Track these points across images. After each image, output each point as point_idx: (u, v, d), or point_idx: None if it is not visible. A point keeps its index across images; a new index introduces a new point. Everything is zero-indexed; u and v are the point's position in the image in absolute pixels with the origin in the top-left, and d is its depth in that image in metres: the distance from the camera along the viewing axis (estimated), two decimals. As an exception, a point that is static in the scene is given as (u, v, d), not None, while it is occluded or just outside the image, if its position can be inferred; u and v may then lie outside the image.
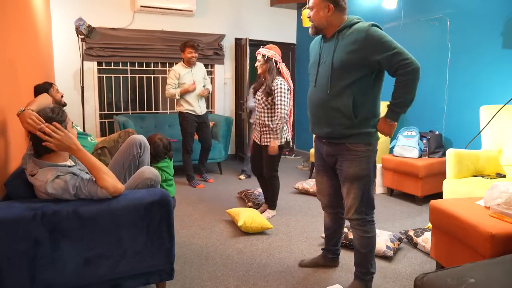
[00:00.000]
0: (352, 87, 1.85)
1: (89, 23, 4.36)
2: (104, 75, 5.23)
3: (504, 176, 3.02)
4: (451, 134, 3.91)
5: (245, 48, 5.51)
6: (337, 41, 1.88)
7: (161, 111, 5.69)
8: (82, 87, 4.60)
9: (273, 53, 3.08)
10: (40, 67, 3.35)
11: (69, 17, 4.62)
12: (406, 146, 3.86)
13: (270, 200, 3.40)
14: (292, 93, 3.18)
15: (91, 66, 5.04)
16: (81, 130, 3.46)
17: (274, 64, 3.09)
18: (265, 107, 3.13)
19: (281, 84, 3.04)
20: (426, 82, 4.13)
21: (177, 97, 4.22)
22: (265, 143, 3.17)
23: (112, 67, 5.24)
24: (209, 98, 6.01)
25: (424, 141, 3.82)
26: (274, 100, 3.07)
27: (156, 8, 5.09)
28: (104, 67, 5.20)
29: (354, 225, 2.02)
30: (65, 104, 3.01)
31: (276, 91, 3.04)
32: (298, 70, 6.25)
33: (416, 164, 3.60)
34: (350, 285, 2.09)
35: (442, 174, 3.28)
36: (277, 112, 3.05)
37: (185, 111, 4.27)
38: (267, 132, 3.15)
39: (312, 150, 4.75)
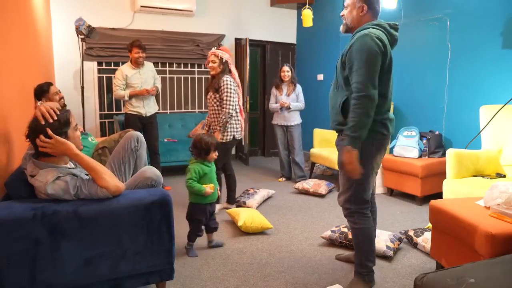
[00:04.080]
0: (347, 87, 1.92)
1: (89, 23, 4.36)
2: (104, 75, 5.23)
3: (504, 176, 3.02)
4: (451, 134, 3.91)
5: (245, 48, 5.51)
6: (350, 42, 1.94)
7: (161, 111, 5.69)
8: (82, 87, 4.60)
9: (228, 56, 3.27)
10: (40, 67, 3.35)
11: (69, 17, 4.63)
12: (406, 146, 3.86)
13: (230, 195, 3.51)
14: (241, 90, 3.35)
15: (91, 66, 5.04)
16: (81, 130, 3.46)
17: (228, 66, 3.27)
18: (215, 105, 3.25)
19: (227, 80, 3.18)
20: (426, 82, 4.14)
21: (126, 98, 4.02)
22: None
23: (112, 67, 5.24)
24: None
25: (424, 141, 3.82)
26: (221, 97, 3.19)
27: (156, 8, 5.09)
28: (104, 67, 5.21)
29: (344, 214, 2.11)
30: (64, 106, 3.00)
31: (222, 87, 3.17)
32: (299, 70, 6.25)
33: (416, 164, 3.60)
34: (350, 281, 2.12)
35: (442, 174, 3.28)
36: (224, 107, 3.17)
37: (128, 112, 4.12)
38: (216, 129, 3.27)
39: (313, 150, 4.75)
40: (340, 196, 2.09)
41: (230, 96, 3.17)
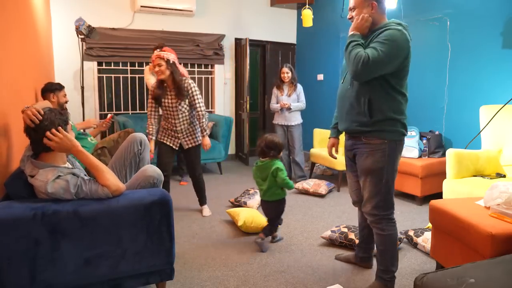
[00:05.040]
0: (371, 85, 1.87)
1: (89, 23, 4.36)
2: (104, 75, 5.23)
3: (504, 176, 3.02)
4: (451, 134, 3.91)
5: (245, 48, 5.51)
6: (369, 39, 1.88)
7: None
8: (82, 87, 4.60)
9: (174, 56, 3.11)
10: (40, 67, 3.35)
11: (69, 17, 4.63)
12: (406, 146, 3.85)
13: (204, 197, 3.45)
14: None
15: (91, 66, 5.04)
16: (81, 130, 3.47)
17: (176, 67, 3.11)
18: (186, 111, 3.15)
19: (193, 83, 3.13)
20: (426, 82, 4.14)
21: None
22: (191, 145, 3.21)
23: (112, 67, 5.24)
24: (209, 98, 6.02)
25: (424, 141, 3.82)
26: (191, 101, 3.13)
27: (156, 8, 5.09)
28: (104, 67, 5.20)
29: (370, 221, 2.07)
30: (65, 109, 3.07)
31: (191, 91, 3.10)
32: (299, 70, 6.25)
33: (416, 164, 3.60)
34: (370, 284, 2.09)
35: (442, 174, 3.28)
36: (199, 111, 3.11)
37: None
38: (190, 134, 3.21)
39: (313, 150, 4.75)
40: (367, 203, 2.03)
41: (200, 98, 3.13)
